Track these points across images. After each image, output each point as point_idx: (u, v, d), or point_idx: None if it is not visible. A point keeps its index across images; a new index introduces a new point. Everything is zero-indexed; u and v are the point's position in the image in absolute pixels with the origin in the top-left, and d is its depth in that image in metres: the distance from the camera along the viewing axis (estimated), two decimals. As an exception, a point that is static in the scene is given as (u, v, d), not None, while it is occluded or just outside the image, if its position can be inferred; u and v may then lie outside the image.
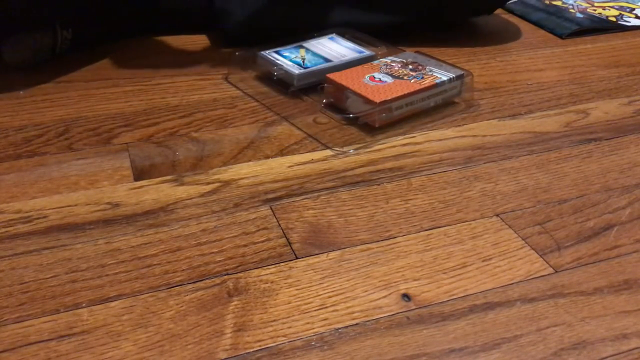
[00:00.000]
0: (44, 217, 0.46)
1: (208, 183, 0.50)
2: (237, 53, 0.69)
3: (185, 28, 0.79)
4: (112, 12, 0.74)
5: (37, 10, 0.66)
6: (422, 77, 0.60)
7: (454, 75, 0.61)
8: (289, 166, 0.52)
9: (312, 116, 0.60)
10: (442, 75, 0.60)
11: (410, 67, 0.62)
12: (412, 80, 0.59)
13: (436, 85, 0.59)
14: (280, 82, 0.64)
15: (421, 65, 0.63)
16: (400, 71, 0.61)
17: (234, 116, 0.61)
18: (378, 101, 0.56)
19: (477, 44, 0.79)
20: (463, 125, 0.59)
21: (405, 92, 0.58)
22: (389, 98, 0.56)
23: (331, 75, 0.60)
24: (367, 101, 0.56)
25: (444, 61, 0.64)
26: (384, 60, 0.64)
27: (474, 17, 0.85)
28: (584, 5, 0.95)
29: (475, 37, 0.82)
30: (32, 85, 0.66)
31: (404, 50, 0.68)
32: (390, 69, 0.62)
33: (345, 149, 0.54)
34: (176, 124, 0.59)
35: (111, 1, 0.73)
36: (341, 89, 0.59)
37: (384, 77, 0.60)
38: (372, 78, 0.60)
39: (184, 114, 0.61)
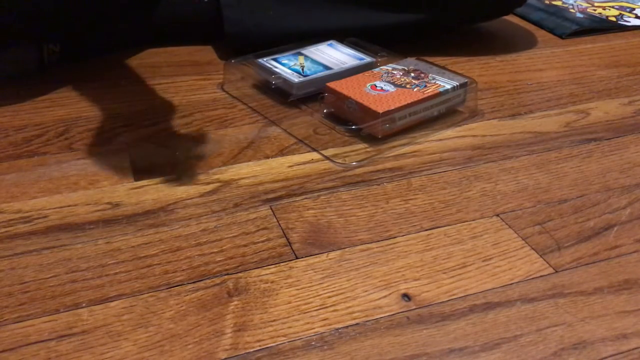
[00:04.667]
0: (44, 217, 0.46)
1: (208, 183, 0.50)
2: (232, 61, 0.66)
3: (185, 40, 0.77)
4: (101, 28, 0.72)
5: (22, 28, 0.64)
6: (425, 86, 0.58)
7: (457, 84, 0.59)
8: (289, 166, 0.52)
9: (312, 127, 0.58)
10: (445, 83, 0.59)
11: (413, 75, 0.60)
12: (415, 89, 0.58)
13: (440, 94, 0.58)
14: (278, 91, 0.62)
15: (423, 73, 0.61)
16: (403, 79, 0.59)
17: (234, 116, 0.61)
18: (381, 111, 0.54)
19: (476, 44, 0.79)
20: (463, 125, 0.59)
21: (409, 101, 0.56)
22: (392, 108, 0.55)
23: (331, 84, 0.58)
24: (369, 111, 0.55)
25: (446, 68, 0.63)
26: (384, 68, 0.62)
27: (485, 21, 0.83)
28: (584, 5, 0.95)
29: (475, 37, 0.82)
30: (32, 85, 0.66)
31: (404, 57, 0.65)
32: (392, 77, 0.60)
33: (347, 161, 0.53)
34: (176, 124, 0.59)
35: (99, 18, 0.71)
36: (342, 98, 0.57)
37: (386, 86, 0.58)
38: (374, 87, 0.58)
39: (184, 114, 0.61)
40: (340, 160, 0.53)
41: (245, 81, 0.66)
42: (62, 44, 0.69)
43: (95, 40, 0.73)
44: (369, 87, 0.58)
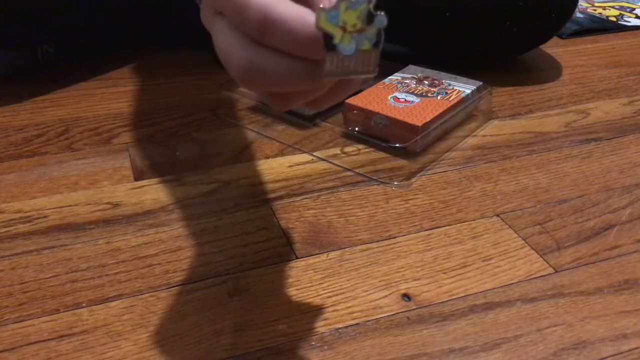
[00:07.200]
0: (44, 217, 0.46)
1: (208, 183, 0.50)
2: (226, 82, 0.62)
3: (186, 45, 0.75)
4: (98, 33, 0.71)
5: (16, 32, 0.64)
6: (446, 93, 0.56)
7: (475, 87, 0.58)
8: (289, 166, 0.52)
9: (337, 147, 0.55)
10: (463, 88, 0.58)
11: (427, 82, 0.58)
12: (439, 97, 0.56)
13: (463, 99, 0.57)
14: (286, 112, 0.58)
15: (436, 79, 0.59)
16: (419, 88, 0.57)
17: (234, 116, 0.61)
18: (420, 124, 0.52)
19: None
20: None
21: (440, 110, 0.53)
22: (429, 119, 0.52)
23: (351, 101, 0.55)
24: (406, 125, 0.52)
25: (453, 73, 0.61)
26: (393, 77, 0.60)
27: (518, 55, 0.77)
28: (584, 5, 0.95)
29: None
30: (31, 85, 0.66)
31: (401, 65, 0.62)
32: (407, 86, 0.57)
33: (404, 182, 0.50)
34: (176, 124, 0.59)
35: (95, 23, 0.70)
36: (368, 114, 0.54)
37: (408, 97, 0.55)
38: (396, 99, 0.55)
39: (184, 114, 0.61)
40: (397, 182, 0.50)
41: (243, 103, 0.63)
42: (56, 45, 0.69)
43: (90, 41, 0.73)
44: (392, 100, 0.55)
